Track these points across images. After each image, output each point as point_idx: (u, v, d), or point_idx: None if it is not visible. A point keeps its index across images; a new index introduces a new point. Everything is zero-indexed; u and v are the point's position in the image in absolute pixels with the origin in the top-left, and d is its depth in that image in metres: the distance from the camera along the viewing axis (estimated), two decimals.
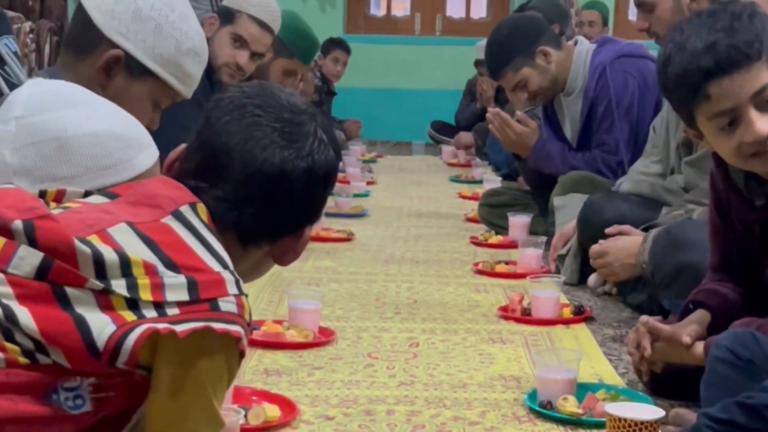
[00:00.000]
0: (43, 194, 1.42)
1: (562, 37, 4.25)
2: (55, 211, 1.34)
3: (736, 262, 2.09)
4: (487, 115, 4.10)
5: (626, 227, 2.88)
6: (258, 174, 1.42)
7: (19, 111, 1.53)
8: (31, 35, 4.79)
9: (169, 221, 1.36)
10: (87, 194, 1.44)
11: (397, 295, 3.19)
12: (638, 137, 3.76)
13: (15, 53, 2.47)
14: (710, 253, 2.16)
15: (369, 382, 2.31)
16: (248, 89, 1.48)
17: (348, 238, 4.07)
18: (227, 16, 3.88)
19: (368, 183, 5.72)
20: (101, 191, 1.43)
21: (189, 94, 2.12)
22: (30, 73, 4.71)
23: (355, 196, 5.07)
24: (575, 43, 4.02)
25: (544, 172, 4.05)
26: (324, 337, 2.61)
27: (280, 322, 2.64)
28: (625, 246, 2.81)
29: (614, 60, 3.86)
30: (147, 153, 1.60)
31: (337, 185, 5.47)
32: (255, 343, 2.50)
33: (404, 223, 4.59)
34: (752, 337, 1.76)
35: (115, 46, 2.04)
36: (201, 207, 1.40)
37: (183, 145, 1.50)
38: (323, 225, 4.10)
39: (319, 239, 3.96)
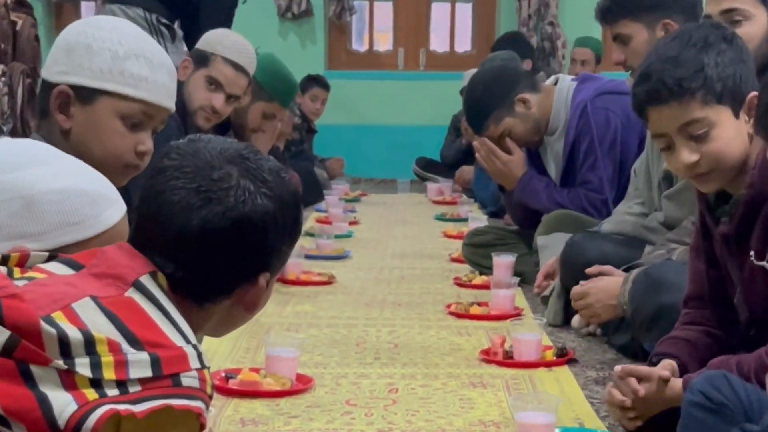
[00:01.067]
0: (6, 259, 1.46)
1: (538, 75, 4.31)
2: (20, 283, 1.38)
3: (711, 289, 2.17)
4: (474, 143, 4.17)
5: (607, 268, 2.94)
6: (181, 238, 1.45)
7: None
8: (3, 78, 4.84)
9: (133, 294, 1.40)
10: (50, 258, 1.48)
11: (377, 340, 3.24)
12: (622, 175, 3.83)
13: None
14: (688, 282, 2.23)
15: (346, 430, 2.35)
16: (174, 150, 1.51)
17: (329, 282, 4.11)
18: (201, 59, 3.95)
19: (351, 223, 5.76)
20: (65, 260, 1.46)
21: (157, 99, 2.14)
22: (3, 120, 4.77)
23: (337, 237, 5.12)
24: (555, 82, 4.10)
25: (529, 208, 4.12)
26: (302, 385, 2.65)
27: (257, 370, 2.68)
28: (607, 287, 2.87)
29: (595, 97, 3.93)
30: (114, 208, 1.64)
31: (318, 226, 5.55)
32: (231, 393, 2.55)
33: (387, 265, 4.63)
34: (725, 379, 1.81)
35: (66, 84, 2.11)
36: (160, 276, 1.44)
37: None
38: (303, 268, 4.15)
39: (299, 283, 4.01)
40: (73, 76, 2.10)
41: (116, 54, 2.09)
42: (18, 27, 5.06)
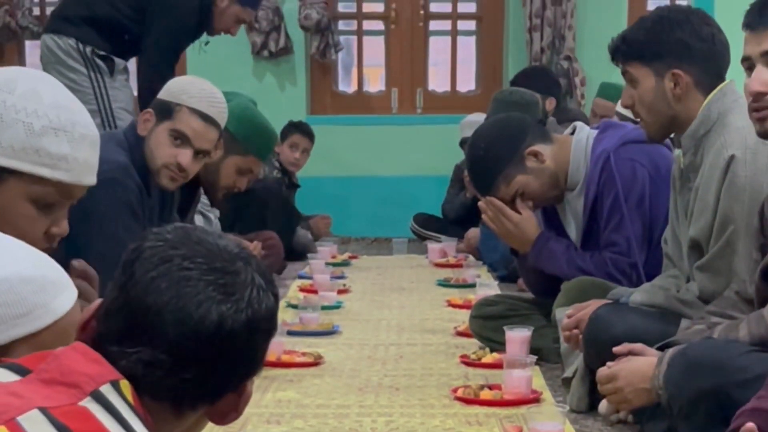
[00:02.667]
0: None
1: (548, 121, 4.31)
2: None
3: None
4: (480, 203, 4.16)
5: (638, 346, 2.92)
6: (194, 334, 1.49)
7: None
8: None
9: (88, 404, 1.40)
10: None
11: None
12: (653, 235, 3.83)
13: None
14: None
15: None
16: (171, 236, 1.55)
17: (315, 362, 4.10)
18: (165, 110, 3.95)
19: (340, 292, 5.75)
20: (9, 365, 1.46)
21: (77, 178, 2.12)
22: None
23: (324, 309, 5.11)
24: (573, 131, 4.11)
25: (546, 273, 4.11)
26: None
27: None
28: (638, 369, 2.85)
29: (619, 147, 3.93)
30: (65, 295, 1.64)
31: (303, 297, 5.53)
32: None
33: (383, 341, 4.62)
34: None
35: None
36: (124, 384, 1.45)
37: (98, 302, 1.55)
38: (285, 347, 4.14)
39: (281, 365, 3.99)
40: None
41: (31, 129, 2.06)
42: None
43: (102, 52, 5.66)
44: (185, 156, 3.91)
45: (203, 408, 1.55)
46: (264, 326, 1.55)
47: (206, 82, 4.11)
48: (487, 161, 4.07)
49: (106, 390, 1.43)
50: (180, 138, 3.92)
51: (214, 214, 5.80)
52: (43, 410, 1.37)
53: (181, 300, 1.49)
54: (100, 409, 1.40)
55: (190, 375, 1.50)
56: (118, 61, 5.69)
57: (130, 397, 1.44)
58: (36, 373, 1.44)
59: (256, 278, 1.55)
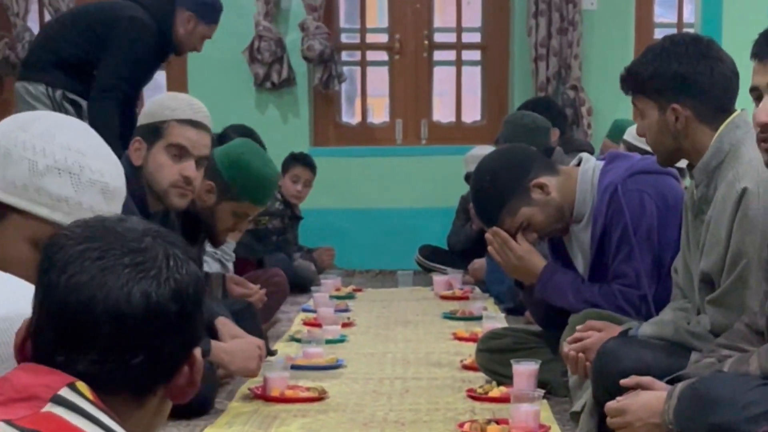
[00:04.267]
0: None
1: (555, 151, 4.32)
2: None
3: None
4: (486, 235, 4.15)
5: (647, 379, 2.92)
6: (127, 319, 1.49)
7: None
8: None
9: (51, 409, 1.42)
10: None
11: None
12: (662, 266, 3.83)
13: None
14: None
15: None
16: (77, 232, 1.55)
17: (320, 398, 4.10)
18: (153, 132, 3.97)
19: (344, 325, 5.74)
20: None
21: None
22: None
23: (328, 342, 5.11)
24: (578, 162, 4.11)
25: (553, 306, 4.10)
26: None
27: None
28: (648, 402, 2.84)
29: (627, 178, 3.93)
30: None
31: (306, 330, 5.53)
32: None
33: (388, 375, 4.62)
34: None
35: None
36: (81, 384, 1.46)
37: (25, 320, 1.55)
38: (288, 382, 4.13)
39: (284, 400, 3.99)
40: None
41: (35, 167, 2.06)
42: None
43: (72, 95, 5.73)
44: (189, 168, 3.94)
45: (161, 390, 1.56)
46: (192, 291, 1.55)
47: (179, 94, 4.14)
48: (492, 193, 4.07)
49: (65, 392, 1.44)
50: (179, 151, 3.93)
51: (230, 261, 5.84)
52: (8, 422, 1.38)
53: (103, 290, 1.49)
54: (64, 410, 1.42)
55: (137, 360, 1.51)
56: (84, 104, 5.75)
57: (89, 395, 1.46)
58: None
59: (170, 249, 1.55)
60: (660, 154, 3.38)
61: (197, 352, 1.58)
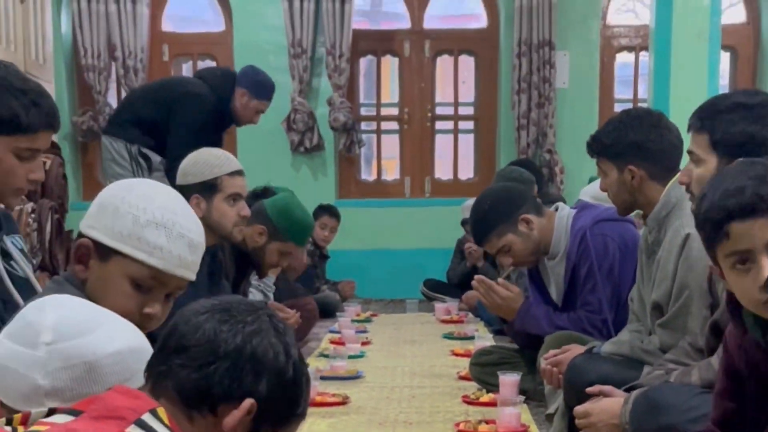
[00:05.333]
0: (10, 420, 1.47)
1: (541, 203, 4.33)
2: None
3: (739, 422, 2.13)
4: (473, 282, 4.17)
5: (608, 388, 2.92)
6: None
7: (49, 337, 1.60)
8: (33, 215, 4.89)
9: (133, 430, 1.42)
10: (50, 412, 1.49)
11: None
12: (620, 297, 3.83)
13: (21, 250, 2.54)
14: (713, 408, 2.20)
15: None
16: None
17: (343, 402, 4.09)
18: (209, 188, 3.97)
19: (363, 343, 5.74)
20: (65, 410, 1.48)
21: (169, 268, 2.12)
22: (33, 254, 4.81)
23: (350, 357, 5.10)
24: (556, 209, 4.13)
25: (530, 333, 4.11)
26: None
27: None
28: (608, 407, 2.85)
29: (594, 225, 3.95)
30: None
31: (333, 348, 5.53)
32: None
33: (398, 384, 4.61)
34: None
35: (89, 238, 2.14)
36: (161, 410, 1.47)
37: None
38: (318, 390, 4.13)
39: (315, 404, 3.98)
40: (96, 231, 2.12)
41: (137, 220, 2.09)
42: (47, 166, 5.14)
43: (145, 150, 5.75)
44: (245, 209, 4.00)
45: (208, 414, 1.54)
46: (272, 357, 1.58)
47: (212, 150, 4.14)
48: (487, 217, 4.09)
49: (147, 417, 1.44)
50: (234, 198, 3.96)
51: (270, 292, 5.86)
52: None
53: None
54: None
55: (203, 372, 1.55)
56: (154, 158, 5.76)
57: (166, 421, 1.46)
58: (87, 412, 1.45)
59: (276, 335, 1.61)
60: (619, 206, 3.40)
61: (248, 403, 1.55)
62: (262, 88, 6.01)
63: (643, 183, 3.28)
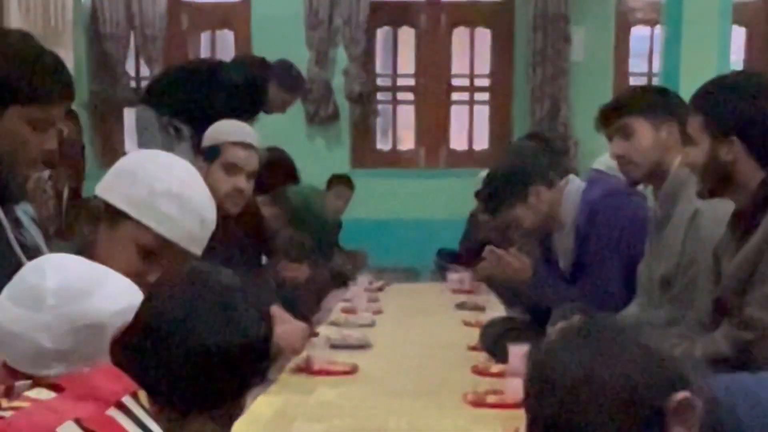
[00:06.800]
0: None
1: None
2: (6, 414, 1.39)
3: None
4: (484, 253, 4.14)
5: None
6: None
7: (53, 300, 1.58)
8: (49, 182, 4.89)
9: (113, 413, 1.42)
10: (33, 384, 1.48)
11: (397, 430, 3.19)
12: (629, 270, 3.80)
13: (32, 219, 2.53)
14: None
15: None
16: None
17: (352, 371, 4.07)
18: (212, 152, 3.95)
19: (375, 312, 5.72)
20: (47, 384, 1.48)
21: (175, 237, 2.11)
22: (50, 221, 4.82)
23: (361, 326, 5.08)
24: (566, 183, 4.10)
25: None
26: None
27: None
28: None
29: (604, 197, 3.92)
30: None
31: (344, 316, 5.50)
32: None
33: (408, 354, 4.58)
34: None
35: (104, 202, 2.14)
36: (141, 394, 1.47)
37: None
38: (328, 358, 4.11)
39: (324, 372, 3.96)
40: (111, 195, 2.13)
41: (153, 189, 2.10)
42: (65, 134, 5.14)
43: (175, 122, 5.80)
44: (240, 181, 3.93)
45: (204, 414, 1.57)
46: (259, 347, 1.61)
47: (233, 120, 4.14)
48: (499, 189, 4.08)
49: (127, 400, 1.44)
50: (232, 168, 3.93)
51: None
52: (77, 421, 1.39)
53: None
54: (123, 416, 1.42)
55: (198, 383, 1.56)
56: (184, 129, 5.81)
57: (146, 405, 1.46)
58: (69, 389, 1.45)
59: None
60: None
61: (243, 399, 1.61)
62: (295, 83, 6.20)
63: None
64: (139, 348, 1.53)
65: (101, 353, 1.56)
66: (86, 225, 2.17)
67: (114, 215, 2.11)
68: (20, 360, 1.56)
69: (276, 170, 4.85)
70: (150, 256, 2.12)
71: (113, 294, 1.62)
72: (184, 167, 2.21)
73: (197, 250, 2.16)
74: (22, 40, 2.33)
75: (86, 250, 2.06)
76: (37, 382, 1.49)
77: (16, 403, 1.44)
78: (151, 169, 2.13)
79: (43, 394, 1.45)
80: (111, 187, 2.14)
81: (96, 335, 1.57)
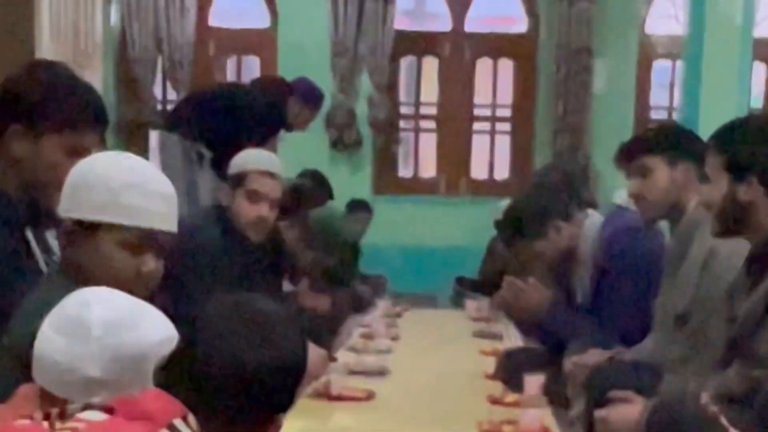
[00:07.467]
0: (48, 415, 1.50)
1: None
2: None
3: None
4: (503, 283, 4.17)
5: (628, 394, 2.92)
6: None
7: (99, 332, 1.62)
8: None
9: None
10: (85, 408, 1.52)
11: None
12: (645, 305, 3.81)
13: None
14: None
15: None
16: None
17: (370, 397, 4.09)
18: (236, 180, 4.00)
19: (392, 338, 5.73)
20: (98, 406, 1.51)
21: (151, 223, 2.14)
22: None
23: (379, 352, 5.09)
24: (586, 216, 4.13)
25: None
26: None
27: None
28: (628, 414, 2.83)
29: (622, 232, 3.94)
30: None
31: (362, 341, 5.52)
32: None
33: (424, 381, 4.59)
34: None
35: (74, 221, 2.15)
36: (191, 418, 1.51)
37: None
38: (346, 384, 4.13)
39: (341, 398, 3.99)
40: (75, 212, 2.14)
41: (110, 187, 2.11)
42: None
43: (199, 146, 5.87)
44: (264, 209, 3.98)
45: None
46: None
47: (260, 149, 4.19)
48: (518, 223, 4.10)
49: (178, 423, 1.48)
50: (254, 196, 3.97)
51: None
52: None
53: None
54: None
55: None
56: (206, 153, 5.88)
57: (195, 427, 1.50)
58: (121, 412, 1.49)
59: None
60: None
61: (279, 419, 1.66)
62: (316, 99, 6.29)
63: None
64: (181, 369, 1.59)
65: (143, 382, 1.61)
66: (67, 250, 2.18)
67: (87, 229, 2.12)
68: (65, 388, 1.60)
69: (299, 195, 4.90)
70: (136, 249, 2.13)
71: (154, 326, 1.67)
72: (125, 156, 2.23)
73: (172, 226, 2.19)
74: (56, 70, 2.38)
75: (80, 272, 2.11)
76: (87, 404, 1.53)
77: (69, 424, 1.48)
78: (99, 171, 2.13)
79: (95, 416, 1.50)
80: (71, 204, 2.14)
81: (139, 365, 1.62)
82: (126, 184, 2.12)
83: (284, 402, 1.68)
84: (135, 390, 1.57)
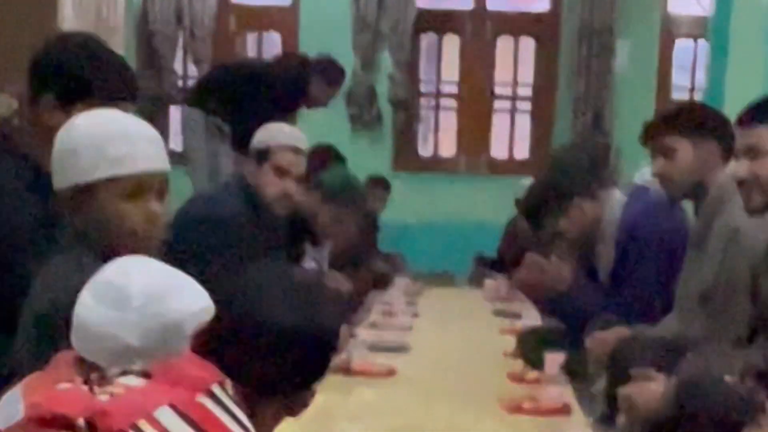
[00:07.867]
0: (87, 380, 1.52)
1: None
2: (104, 398, 1.46)
3: None
4: (524, 261, 4.18)
5: (651, 372, 2.92)
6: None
7: (140, 301, 1.63)
8: None
9: (203, 400, 1.49)
10: (123, 373, 1.53)
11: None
12: (668, 284, 3.81)
13: None
14: None
15: None
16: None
17: (391, 373, 4.11)
18: (261, 154, 4.02)
19: (412, 316, 5.75)
20: (136, 372, 1.53)
21: (144, 167, 2.14)
22: None
23: (399, 329, 5.11)
24: (608, 195, 4.12)
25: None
26: None
27: None
28: (650, 391, 2.84)
29: (645, 211, 3.94)
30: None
31: (381, 318, 5.54)
32: None
33: (445, 358, 4.61)
34: None
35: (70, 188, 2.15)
36: (228, 383, 1.54)
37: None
38: (367, 359, 4.15)
39: (363, 373, 4.01)
40: (69, 179, 2.13)
41: (95, 143, 2.10)
42: None
43: (220, 121, 5.91)
44: (290, 186, 4.00)
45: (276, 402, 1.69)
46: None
47: (282, 124, 4.20)
48: (541, 202, 4.10)
49: (215, 388, 1.51)
50: (282, 171, 3.99)
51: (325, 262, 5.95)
52: (172, 405, 1.45)
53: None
54: (213, 403, 1.49)
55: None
56: (227, 129, 5.92)
57: (232, 394, 1.53)
58: (159, 376, 1.51)
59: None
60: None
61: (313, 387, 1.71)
62: (337, 76, 6.33)
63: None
64: (219, 336, 1.61)
65: (181, 350, 1.62)
66: (75, 219, 2.19)
67: (86, 192, 2.12)
68: (103, 355, 1.62)
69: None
70: (137, 196, 2.13)
71: (192, 295, 1.68)
72: (97, 114, 2.21)
73: (164, 164, 2.19)
74: (87, 41, 2.39)
75: (93, 235, 2.12)
76: (126, 370, 1.55)
77: (108, 389, 1.50)
78: (80, 132, 2.13)
79: (133, 381, 1.51)
80: (63, 176, 2.14)
81: (177, 333, 1.64)
82: (108, 137, 2.11)
83: (320, 370, 1.70)
84: (173, 357, 1.58)
